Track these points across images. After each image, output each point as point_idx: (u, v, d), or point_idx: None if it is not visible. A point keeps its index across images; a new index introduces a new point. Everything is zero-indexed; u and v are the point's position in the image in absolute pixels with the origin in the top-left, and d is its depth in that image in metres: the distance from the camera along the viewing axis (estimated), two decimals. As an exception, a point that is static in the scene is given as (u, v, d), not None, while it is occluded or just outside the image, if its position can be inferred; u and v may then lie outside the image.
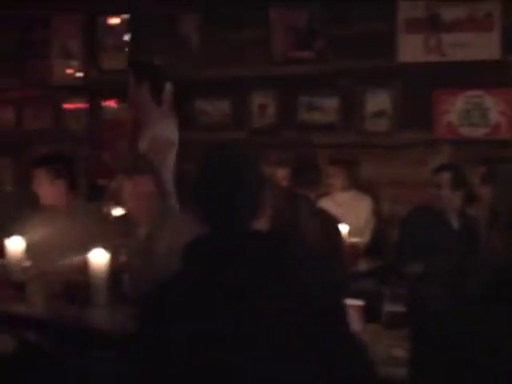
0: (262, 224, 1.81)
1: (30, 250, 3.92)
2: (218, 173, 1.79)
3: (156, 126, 4.66)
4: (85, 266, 3.43)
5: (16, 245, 3.84)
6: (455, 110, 5.81)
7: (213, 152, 1.87)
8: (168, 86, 6.70)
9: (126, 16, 7.34)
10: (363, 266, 4.85)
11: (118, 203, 4.20)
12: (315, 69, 6.29)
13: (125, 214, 4.08)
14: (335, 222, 4.06)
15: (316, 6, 6.32)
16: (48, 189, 4.06)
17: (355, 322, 2.65)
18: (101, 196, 5.14)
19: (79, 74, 7.55)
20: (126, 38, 7.33)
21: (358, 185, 5.80)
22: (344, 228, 4.55)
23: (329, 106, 6.33)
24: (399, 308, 3.06)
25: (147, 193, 3.68)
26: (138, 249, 3.68)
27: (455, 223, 4.53)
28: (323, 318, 1.70)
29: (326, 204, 5.07)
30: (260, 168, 1.87)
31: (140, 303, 1.94)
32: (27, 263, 3.88)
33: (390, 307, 3.06)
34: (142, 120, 4.83)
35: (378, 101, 6.16)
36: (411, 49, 5.92)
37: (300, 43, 6.41)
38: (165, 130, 4.70)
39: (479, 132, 5.76)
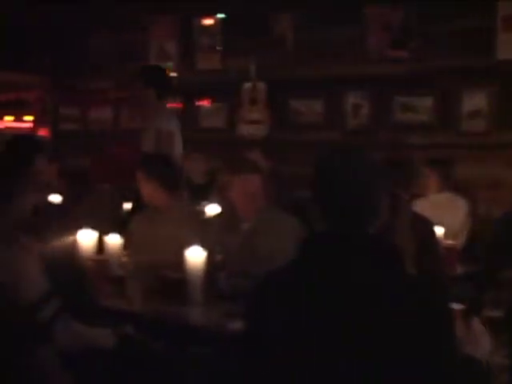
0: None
1: (128, 246, 4.01)
2: (343, 173, 1.78)
3: (156, 120, 5.28)
4: (181, 263, 3.48)
5: (114, 241, 3.94)
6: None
7: (335, 152, 1.85)
8: (261, 86, 6.77)
9: (220, 16, 7.40)
10: (460, 269, 4.75)
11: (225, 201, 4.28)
12: (411, 68, 6.21)
13: (223, 212, 4.16)
14: (430, 223, 4.00)
15: (412, 3, 6.23)
16: (145, 188, 4.15)
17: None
18: (199, 195, 5.24)
19: (174, 75, 7.66)
20: (220, 38, 7.40)
21: (454, 186, 5.68)
22: (439, 230, 4.47)
23: (424, 106, 6.24)
24: (499, 313, 2.98)
25: (254, 191, 3.79)
26: (239, 246, 3.74)
27: None
28: (432, 318, 1.68)
29: (422, 205, 4.99)
30: (380, 169, 1.85)
31: (244, 300, 1.95)
32: (125, 259, 3.97)
33: (489, 312, 2.99)
34: (145, 115, 5.61)
35: (475, 100, 6.04)
36: (510, 46, 5.77)
37: (395, 42, 6.34)
38: (163, 121, 5.28)
39: None
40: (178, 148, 5.33)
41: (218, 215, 4.33)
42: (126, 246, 3.99)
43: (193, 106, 7.56)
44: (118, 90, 7.95)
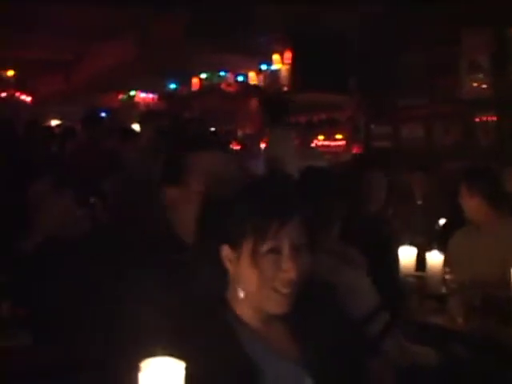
0: None
1: (449, 262, 3.97)
2: None
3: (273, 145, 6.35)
4: (506, 280, 3.38)
5: (436, 258, 3.92)
6: None
7: None
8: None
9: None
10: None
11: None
12: None
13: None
14: None
15: None
16: (467, 203, 4.09)
17: None
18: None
19: (487, 88, 7.49)
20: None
21: None
22: None
23: None
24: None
25: None
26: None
27: None
28: None
29: None
30: None
31: None
32: (448, 276, 3.93)
33: None
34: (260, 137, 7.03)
35: None
36: None
37: None
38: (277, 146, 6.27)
39: None
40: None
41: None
42: (447, 262, 3.96)
43: (509, 118, 7.31)
44: (430, 105, 7.95)
